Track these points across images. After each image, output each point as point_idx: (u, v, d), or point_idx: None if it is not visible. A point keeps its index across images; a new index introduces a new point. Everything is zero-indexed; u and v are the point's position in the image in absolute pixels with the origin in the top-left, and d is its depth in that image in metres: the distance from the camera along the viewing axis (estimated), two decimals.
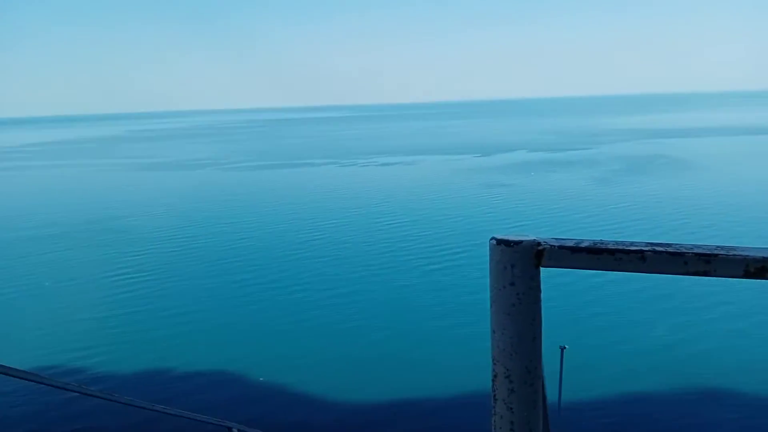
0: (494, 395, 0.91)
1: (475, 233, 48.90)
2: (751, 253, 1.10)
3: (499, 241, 1.00)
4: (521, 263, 0.98)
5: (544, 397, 1.03)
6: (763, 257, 1.08)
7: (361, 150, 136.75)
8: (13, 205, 77.48)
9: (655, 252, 1.13)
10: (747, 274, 1.11)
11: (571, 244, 1.09)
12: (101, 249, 49.71)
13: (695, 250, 1.15)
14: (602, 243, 1.14)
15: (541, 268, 1.02)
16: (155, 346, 29.93)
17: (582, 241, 1.14)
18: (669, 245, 1.17)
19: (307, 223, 57.92)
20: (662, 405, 22.74)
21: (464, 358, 26.77)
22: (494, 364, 0.92)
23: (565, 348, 15.88)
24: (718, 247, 1.17)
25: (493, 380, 0.91)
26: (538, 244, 1.02)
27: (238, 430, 3.92)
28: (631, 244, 1.15)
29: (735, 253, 1.12)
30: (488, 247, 1.06)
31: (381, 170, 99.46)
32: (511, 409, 0.89)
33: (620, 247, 1.13)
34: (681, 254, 1.13)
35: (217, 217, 62.06)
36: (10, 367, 2.13)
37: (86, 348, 29.61)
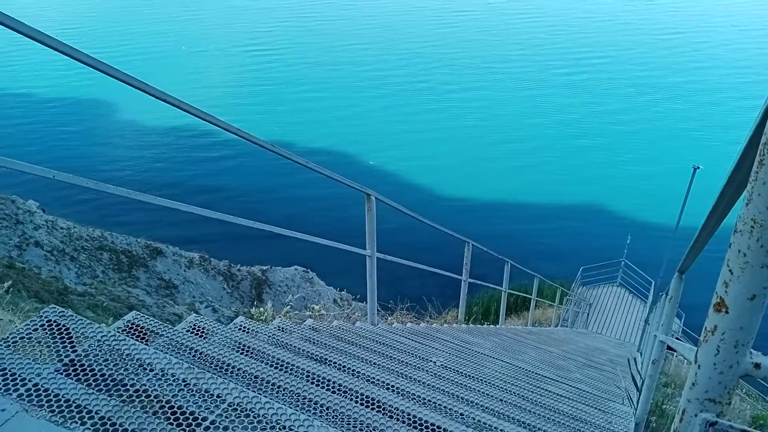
0: (761, 160, 0.83)
1: None
2: None
3: None
4: None
5: None
6: None
7: None
8: None
9: None
10: None
11: None
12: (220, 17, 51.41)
13: None
14: None
15: None
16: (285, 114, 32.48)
17: None
18: None
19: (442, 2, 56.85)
20: None
21: None
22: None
23: (698, 168, 14.67)
24: None
25: (764, 145, 0.82)
26: None
27: (377, 198, 4.10)
28: None
29: None
30: None
31: None
32: None
33: None
34: None
35: None
36: (173, 97, 2.34)
37: (230, 108, 32.08)
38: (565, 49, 45.92)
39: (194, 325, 2.56)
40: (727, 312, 0.92)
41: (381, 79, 38.58)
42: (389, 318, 6.79)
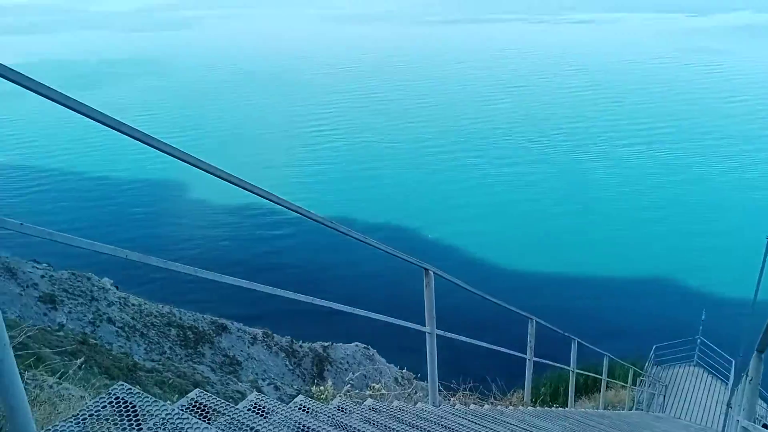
0: None
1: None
2: None
3: None
4: None
5: None
6: None
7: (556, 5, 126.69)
8: (215, 48, 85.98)
9: None
10: None
11: None
12: (296, 98, 53.76)
13: None
14: None
15: None
16: (347, 190, 33.61)
17: None
18: None
19: (497, 81, 58.29)
20: None
21: None
22: None
23: None
24: None
25: None
26: None
27: (435, 272, 4.01)
28: None
29: None
30: None
31: (577, 28, 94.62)
32: None
33: None
34: None
35: (403, 75, 63.52)
36: (241, 179, 2.42)
37: (304, 188, 33.68)
38: (625, 119, 45.59)
39: (255, 403, 2.56)
40: None
41: (438, 155, 39.21)
42: (452, 398, 6.57)
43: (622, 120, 45.46)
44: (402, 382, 13.39)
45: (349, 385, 5.60)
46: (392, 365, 16.88)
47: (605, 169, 36.45)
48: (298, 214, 3.02)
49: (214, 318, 16.55)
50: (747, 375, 3.20)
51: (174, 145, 2.17)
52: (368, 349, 17.80)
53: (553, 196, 33.01)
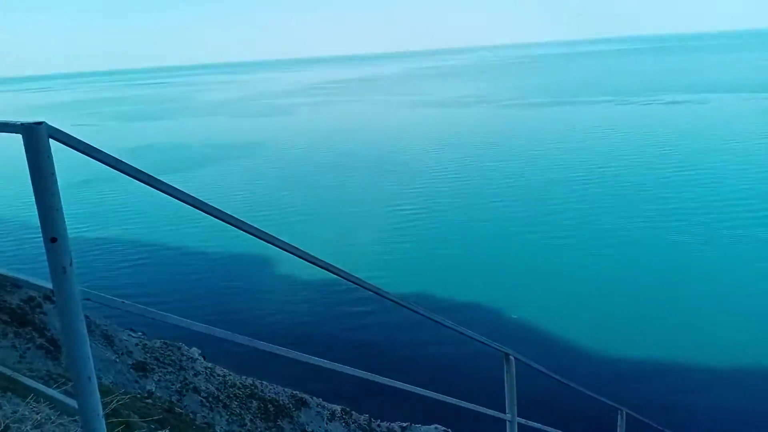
0: None
1: None
2: None
3: None
4: None
5: None
6: None
7: (645, 86, 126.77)
8: (311, 134, 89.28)
9: None
10: None
11: None
12: (385, 181, 55.21)
13: None
14: None
15: None
16: (433, 269, 33.74)
17: None
18: None
19: (586, 163, 57.64)
20: None
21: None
22: None
23: None
24: None
25: None
26: None
27: (516, 357, 3.85)
28: None
29: None
30: None
31: (668, 109, 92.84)
32: None
33: None
34: None
35: (494, 155, 64.58)
36: (323, 260, 2.50)
37: (372, 264, 34.06)
38: (720, 199, 43.40)
39: None
40: None
41: (523, 235, 38.67)
42: None
43: (717, 199, 43.38)
44: None
45: None
46: None
47: (704, 249, 34.48)
48: (375, 294, 3.09)
49: (294, 392, 16.62)
50: None
51: (256, 225, 2.33)
52: (447, 431, 17.18)
53: (643, 278, 31.42)
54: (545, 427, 4.66)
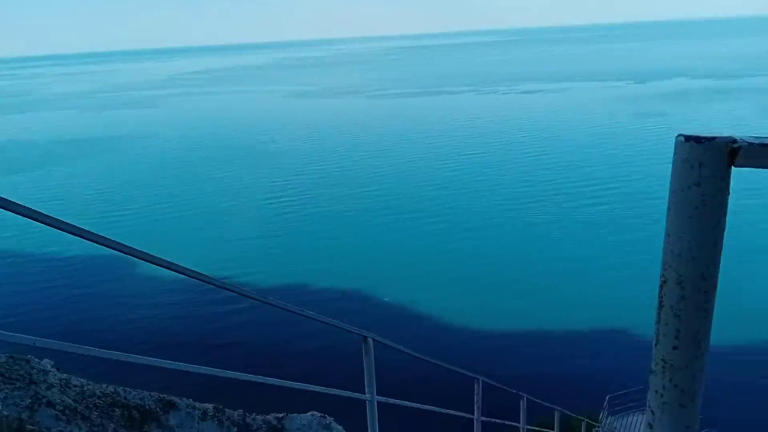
0: (661, 301, 0.87)
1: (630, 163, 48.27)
2: None
3: (688, 138, 0.89)
4: (711, 162, 0.86)
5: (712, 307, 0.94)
6: None
7: (506, 77, 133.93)
8: (178, 127, 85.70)
9: None
10: None
11: None
12: (256, 171, 54.50)
13: None
14: None
15: (732, 169, 0.88)
16: (300, 259, 33.72)
17: None
18: None
19: (447, 150, 59.72)
20: None
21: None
22: (665, 269, 0.86)
23: None
24: None
25: (661, 286, 0.86)
26: (734, 141, 0.88)
27: (374, 339, 3.98)
28: None
29: None
30: (673, 145, 0.91)
31: (528, 97, 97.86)
32: (679, 316, 0.85)
33: None
34: None
35: (359, 144, 65.70)
36: (176, 264, 2.45)
37: (241, 257, 33.83)
38: (573, 177, 47.29)
39: None
40: None
41: (387, 223, 39.60)
42: None
43: (570, 179, 47.23)
44: None
45: None
46: None
47: (551, 226, 37.51)
48: (232, 293, 3.13)
49: (161, 395, 15.92)
50: None
51: (102, 234, 2.29)
52: (324, 417, 17.36)
53: (499, 257, 33.61)
54: (403, 402, 4.95)
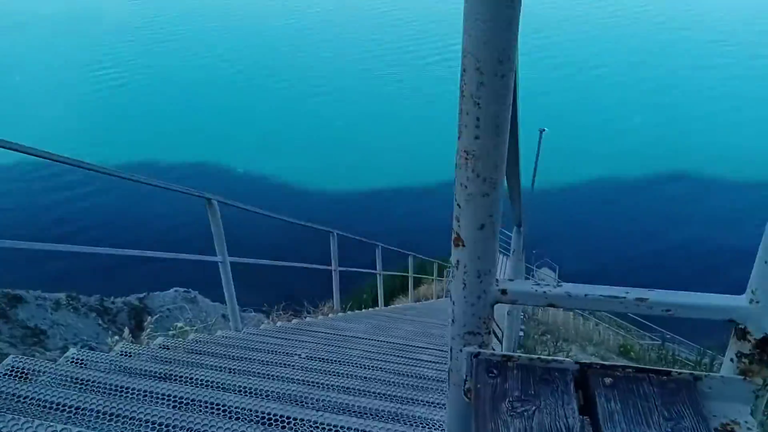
0: (462, 92, 0.83)
1: None
2: None
3: None
4: None
5: (515, 94, 0.93)
6: None
7: None
8: None
9: None
10: None
11: None
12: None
13: None
14: None
15: None
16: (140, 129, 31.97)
17: None
18: None
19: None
20: (636, 187, 25.07)
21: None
22: (464, 57, 0.82)
23: (544, 131, 15.89)
24: None
25: (462, 76, 0.83)
26: None
27: (219, 201, 3.96)
28: None
29: None
30: None
31: None
32: (478, 104, 0.82)
33: None
34: None
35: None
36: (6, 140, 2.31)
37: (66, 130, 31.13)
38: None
39: (13, 367, 2.38)
40: (463, 245, 0.93)
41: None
42: (266, 321, 6.71)
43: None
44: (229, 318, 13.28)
45: (148, 330, 5.46)
46: (218, 303, 16.62)
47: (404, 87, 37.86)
48: (68, 165, 2.82)
49: (6, 290, 14.79)
50: (511, 247, 3.64)
51: None
52: (189, 292, 17.28)
53: (344, 118, 33.61)
54: (258, 260, 4.95)
